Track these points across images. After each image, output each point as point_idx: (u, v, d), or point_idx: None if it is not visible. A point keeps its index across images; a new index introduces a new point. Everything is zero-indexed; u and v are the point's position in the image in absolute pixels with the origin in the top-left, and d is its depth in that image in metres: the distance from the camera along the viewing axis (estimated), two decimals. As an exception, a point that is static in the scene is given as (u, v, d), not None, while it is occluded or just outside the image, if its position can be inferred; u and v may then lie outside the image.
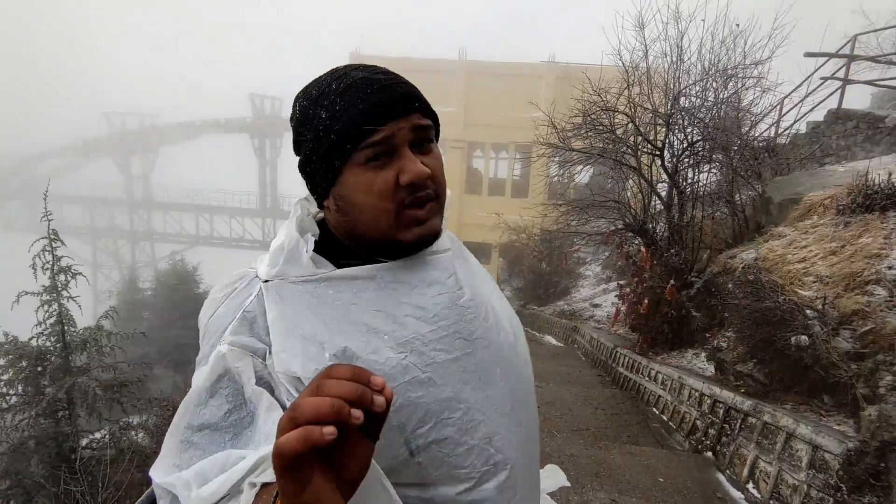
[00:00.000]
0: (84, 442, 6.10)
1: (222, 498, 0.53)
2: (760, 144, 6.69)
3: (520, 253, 15.84)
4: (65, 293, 6.16)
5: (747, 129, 6.40)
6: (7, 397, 5.69)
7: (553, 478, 0.92)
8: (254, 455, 0.54)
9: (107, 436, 6.30)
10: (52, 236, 6.08)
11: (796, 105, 8.81)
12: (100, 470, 4.89)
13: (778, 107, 8.44)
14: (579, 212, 6.94)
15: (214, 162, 48.12)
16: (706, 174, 6.48)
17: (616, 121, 6.34)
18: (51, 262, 6.11)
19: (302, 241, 0.68)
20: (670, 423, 4.21)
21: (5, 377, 5.64)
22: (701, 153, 6.13)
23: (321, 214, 0.74)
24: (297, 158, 0.70)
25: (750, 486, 2.94)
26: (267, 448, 0.54)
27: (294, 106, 0.69)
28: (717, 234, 6.27)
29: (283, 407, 0.60)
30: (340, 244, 0.70)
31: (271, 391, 0.61)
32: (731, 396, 3.44)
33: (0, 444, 5.48)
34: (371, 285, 0.66)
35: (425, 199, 0.66)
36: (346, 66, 0.68)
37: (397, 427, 0.61)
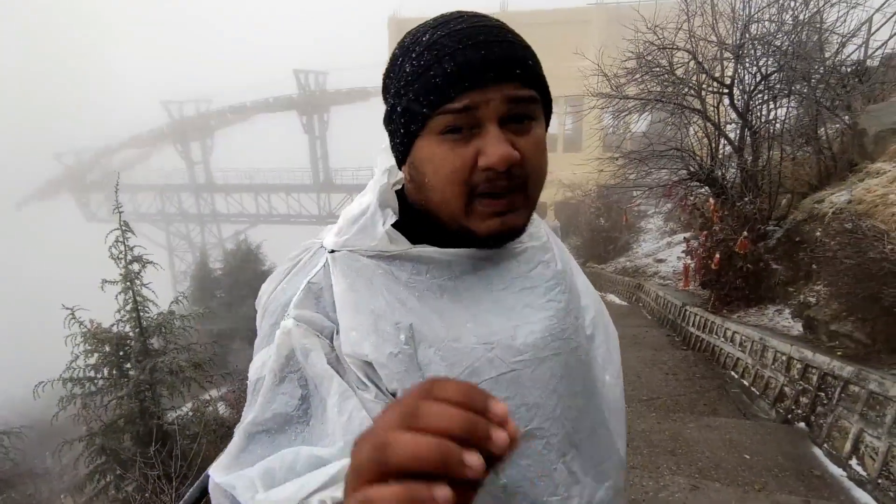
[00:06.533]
0: (171, 417, 6.52)
1: None
2: (848, 69, 5.84)
3: (576, 210, 15.28)
4: (137, 281, 6.49)
5: (832, 53, 5.60)
6: (95, 381, 6.12)
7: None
8: (333, 466, 0.46)
9: (189, 412, 6.71)
10: (124, 227, 6.37)
11: (889, 19, 7.61)
12: (193, 447, 5.20)
13: (867, 24, 7.32)
14: (637, 164, 6.42)
15: (267, 141, 49.42)
16: (784, 109, 5.76)
17: (675, 59, 5.73)
18: (124, 253, 6.42)
19: (380, 213, 0.60)
20: (752, 389, 3.88)
21: (91, 361, 6.06)
22: (777, 86, 5.44)
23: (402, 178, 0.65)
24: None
25: (853, 462, 2.61)
26: (345, 459, 0.44)
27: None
28: (798, 176, 5.62)
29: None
30: (420, 217, 0.61)
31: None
32: (826, 361, 3.06)
33: (93, 422, 5.93)
34: (447, 273, 0.58)
35: (506, 189, 0.54)
36: (452, 13, 0.57)
37: None
